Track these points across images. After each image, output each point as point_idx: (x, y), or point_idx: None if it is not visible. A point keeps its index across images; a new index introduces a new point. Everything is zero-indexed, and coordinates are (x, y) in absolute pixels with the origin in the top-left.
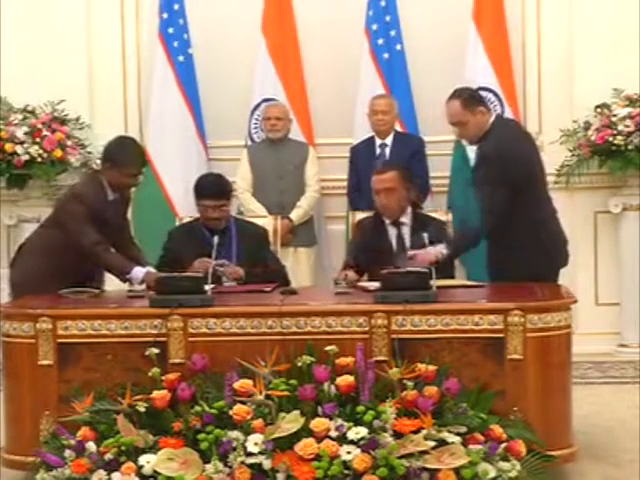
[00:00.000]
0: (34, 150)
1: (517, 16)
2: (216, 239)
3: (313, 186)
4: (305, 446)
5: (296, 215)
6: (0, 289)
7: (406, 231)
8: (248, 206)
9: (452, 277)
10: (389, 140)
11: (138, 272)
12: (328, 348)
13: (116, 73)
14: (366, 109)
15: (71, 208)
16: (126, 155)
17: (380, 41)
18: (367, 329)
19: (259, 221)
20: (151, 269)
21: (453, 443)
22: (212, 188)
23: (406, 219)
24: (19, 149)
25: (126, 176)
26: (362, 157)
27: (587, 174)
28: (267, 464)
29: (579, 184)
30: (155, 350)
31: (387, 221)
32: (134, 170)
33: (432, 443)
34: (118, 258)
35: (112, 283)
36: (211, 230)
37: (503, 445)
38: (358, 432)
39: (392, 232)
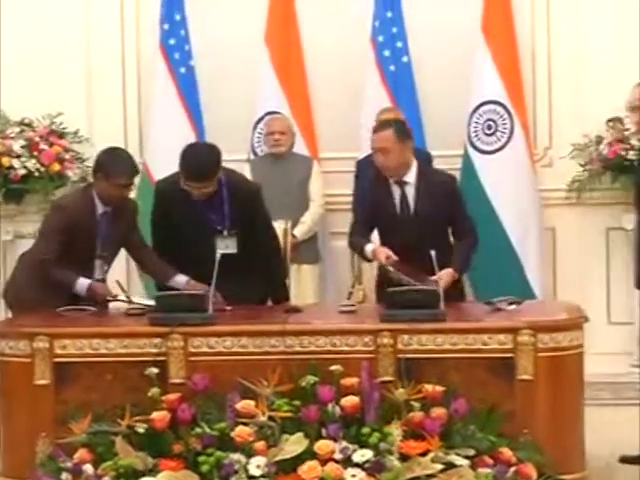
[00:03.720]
0: (31, 164)
1: (526, 28)
2: None
3: (317, 201)
4: (309, 469)
5: (300, 231)
6: None
7: (410, 191)
8: None
9: (462, 294)
10: None
11: (83, 283)
12: (332, 368)
13: (116, 85)
14: (372, 122)
15: (47, 218)
16: (114, 165)
17: (386, 53)
18: (373, 348)
19: None
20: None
21: (461, 466)
22: (194, 171)
23: (410, 178)
24: (16, 163)
25: (115, 187)
26: (368, 171)
27: (599, 190)
28: None
29: (591, 200)
30: (155, 370)
31: (391, 180)
32: (122, 180)
33: (440, 466)
34: (63, 272)
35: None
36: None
37: (513, 468)
38: (363, 454)
39: (396, 191)
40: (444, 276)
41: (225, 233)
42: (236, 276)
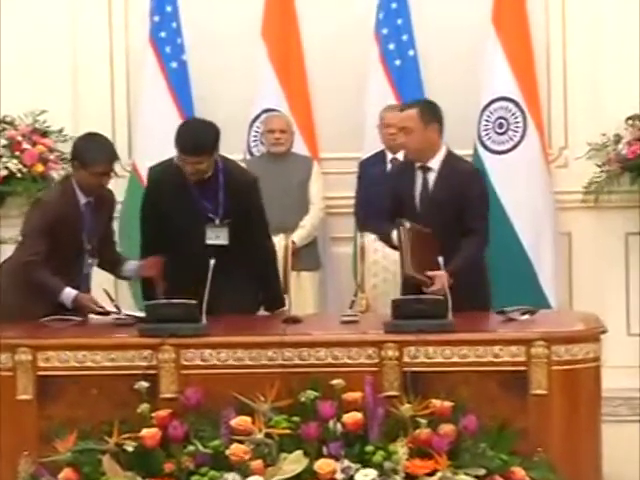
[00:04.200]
0: (13, 165)
1: (540, 20)
2: None
3: (317, 204)
4: None
5: (299, 236)
6: None
7: (432, 178)
8: None
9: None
10: (401, 155)
11: (69, 294)
12: (334, 382)
13: (103, 81)
14: (376, 120)
15: (28, 217)
16: (91, 152)
17: (391, 46)
18: (377, 361)
19: None
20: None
21: None
22: (190, 143)
23: (434, 164)
24: None
25: (93, 175)
26: (372, 173)
27: (618, 192)
28: None
29: (609, 203)
30: (144, 384)
31: (416, 166)
32: (100, 168)
33: None
34: (49, 277)
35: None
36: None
37: None
38: (367, 474)
39: (419, 179)
40: (437, 280)
41: (217, 222)
42: (229, 281)
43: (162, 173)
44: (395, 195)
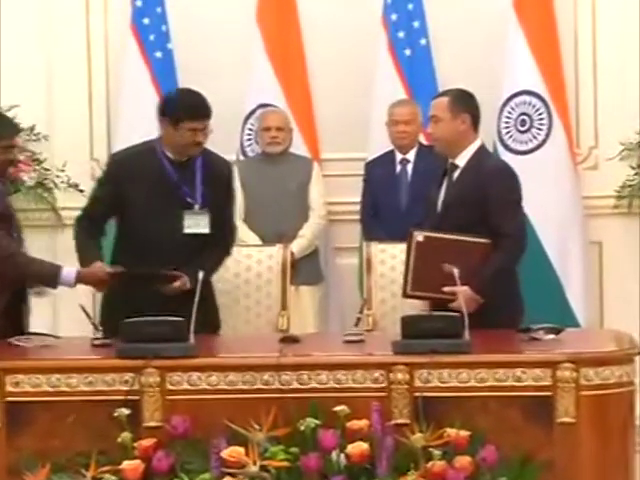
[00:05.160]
0: None
1: (568, 5)
2: None
3: (318, 211)
4: None
5: (298, 246)
6: None
7: (456, 175)
8: (239, 236)
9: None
10: (412, 155)
11: (69, 272)
12: (337, 409)
13: (80, 73)
14: (383, 117)
15: None
16: None
17: (401, 34)
18: (385, 385)
19: (255, 254)
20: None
21: None
22: (203, 107)
23: (462, 161)
24: None
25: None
26: (379, 175)
27: None
28: None
29: None
30: (126, 411)
31: (449, 161)
32: (4, 142)
33: None
34: (39, 261)
35: (69, 326)
36: (171, 161)
37: None
38: None
39: (446, 177)
40: (460, 296)
41: (196, 208)
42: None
43: (131, 157)
44: (426, 201)
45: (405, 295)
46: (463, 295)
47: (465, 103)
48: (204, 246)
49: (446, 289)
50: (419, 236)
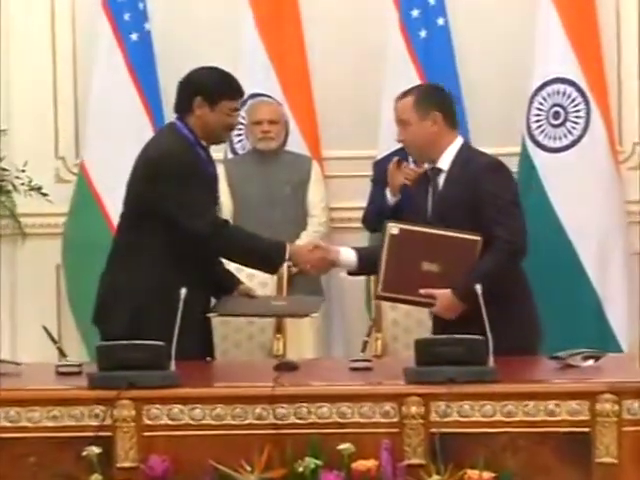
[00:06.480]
0: None
1: None
2: None
3: (318, 217)
4: None
5: None
6: None
7: (442, 180)
8: None
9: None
10: None
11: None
12: (341, 447)
13: (43, 58)
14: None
15: None
16: None
17: (415, 12)
18: (396, 420)
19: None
20: None
21: None
22: (241, 88)
23: (444, 164)
24: None
25: None
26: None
27: None
28: None
29: None
30: (96, 449)
31: (429, 167)
32: None
33: None
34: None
35: (33, 353)
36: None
37: None
38: None
39: (432, 182)
40: (439, 299)
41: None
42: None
43: (176, 142)
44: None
45: (376, 297)
46: (443, 300)
47: (432, 100)
48: None
49: (423, 291)
50: (393, 228)
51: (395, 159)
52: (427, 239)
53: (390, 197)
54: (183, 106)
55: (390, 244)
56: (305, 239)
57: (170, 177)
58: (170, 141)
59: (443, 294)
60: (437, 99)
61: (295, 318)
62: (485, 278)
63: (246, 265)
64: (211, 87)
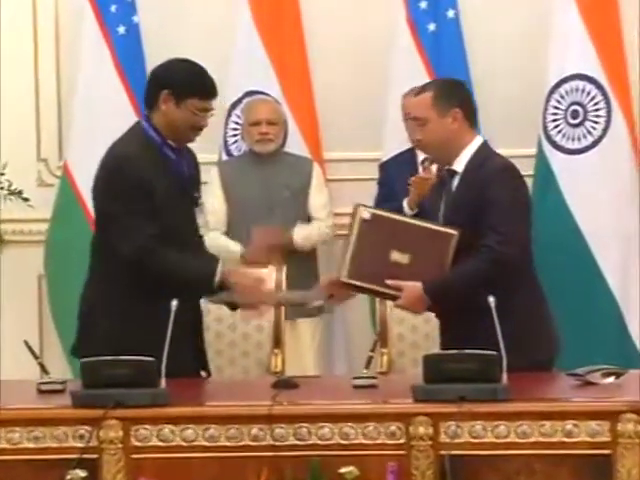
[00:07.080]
0: None
1: None
2: None
3: (321, 222)
4: None
5: (302, 231)
6: None
7: (456, 183)
8: (221, 251)
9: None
10: None
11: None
12: (344, 470)
13: (24, 52)
14: (399, 109)
15: None
16: None
17: (423, 4)
18: (403, 441)
19: None
20: None
21: None
22: (214, 85)
23: (459, 166)
24: None
25: None
26: (397, 178)
27: None
28: None
29: None
30: (81, 473)
31: (446, 168)
32: None
33: None
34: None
35: (13, 369)
36: (172, 149)
37: None
38: None
39: (448, 184)
40: (406, 292)
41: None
42: None
43: (144, 152)
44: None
45: (339, 282)
46: (410, 293)
47: (452, 95)
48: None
49: (391, 282)
50: (365, 212)
51: (424, 165)
52: (400, 228)
53: (407, 209)
54: (150, 100)
55: (360, 229)
56: (302, 232)
57: (116, 196)
58: (128, 150)
59: (411, 287)
60: (457, 94)
61: (302, 307)
62: (460, 281)
63: (179, 294)
64: (179, 81)
